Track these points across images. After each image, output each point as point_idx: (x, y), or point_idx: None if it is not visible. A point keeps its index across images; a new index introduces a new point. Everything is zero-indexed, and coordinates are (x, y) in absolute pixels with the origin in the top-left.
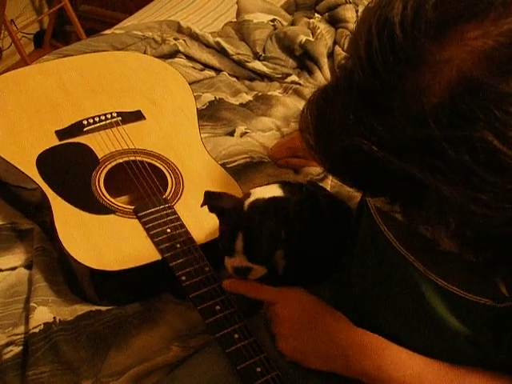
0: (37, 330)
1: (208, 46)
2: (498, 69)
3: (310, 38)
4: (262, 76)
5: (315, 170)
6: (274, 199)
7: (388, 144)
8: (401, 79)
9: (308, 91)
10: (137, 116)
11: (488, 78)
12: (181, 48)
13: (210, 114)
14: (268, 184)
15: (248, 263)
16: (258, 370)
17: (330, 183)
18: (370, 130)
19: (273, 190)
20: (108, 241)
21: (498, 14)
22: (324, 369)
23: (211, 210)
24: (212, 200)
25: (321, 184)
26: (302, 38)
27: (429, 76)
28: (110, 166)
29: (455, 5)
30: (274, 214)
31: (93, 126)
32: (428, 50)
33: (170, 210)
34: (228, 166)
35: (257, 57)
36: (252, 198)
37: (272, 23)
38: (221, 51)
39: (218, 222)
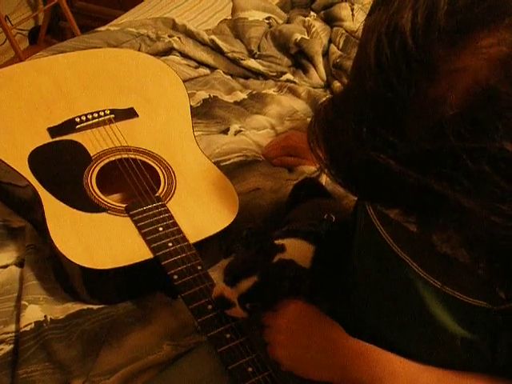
0: (28, 329)
1: (203, 43)
2: None
3: (306, 37)
4: (257, 74)
5: (309, 168)
6: (299, 269)
7: (405, 157)
8: (415, 89)
9: (303, 89)
10: (130, 113)
11: (505, 86)
12: (175, 45)
13: (204, 112)
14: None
15: (235, 301)
16: (250, 369)
17: (325, 180)
18: (385, 143)
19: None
20: (100, 239)
21: None
22: (321, 379)
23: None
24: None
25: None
26: (298, 37)
27: (444, 86)
28: (102, 164)
29: (468, 12)
30: (291, 281)
31: (85, 124)
32: (442, 58)
33: (162, 209)
34: (222, 164)
35: (252, 55)
36: (286, 256)
37: (267, 21)
38: (216, 49)
39: (209, 219)
